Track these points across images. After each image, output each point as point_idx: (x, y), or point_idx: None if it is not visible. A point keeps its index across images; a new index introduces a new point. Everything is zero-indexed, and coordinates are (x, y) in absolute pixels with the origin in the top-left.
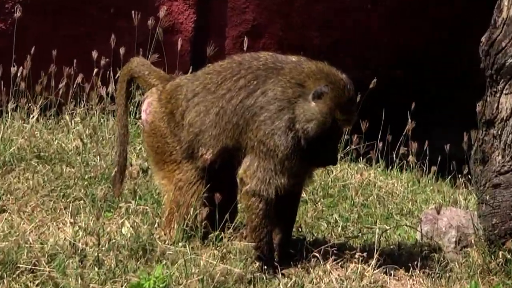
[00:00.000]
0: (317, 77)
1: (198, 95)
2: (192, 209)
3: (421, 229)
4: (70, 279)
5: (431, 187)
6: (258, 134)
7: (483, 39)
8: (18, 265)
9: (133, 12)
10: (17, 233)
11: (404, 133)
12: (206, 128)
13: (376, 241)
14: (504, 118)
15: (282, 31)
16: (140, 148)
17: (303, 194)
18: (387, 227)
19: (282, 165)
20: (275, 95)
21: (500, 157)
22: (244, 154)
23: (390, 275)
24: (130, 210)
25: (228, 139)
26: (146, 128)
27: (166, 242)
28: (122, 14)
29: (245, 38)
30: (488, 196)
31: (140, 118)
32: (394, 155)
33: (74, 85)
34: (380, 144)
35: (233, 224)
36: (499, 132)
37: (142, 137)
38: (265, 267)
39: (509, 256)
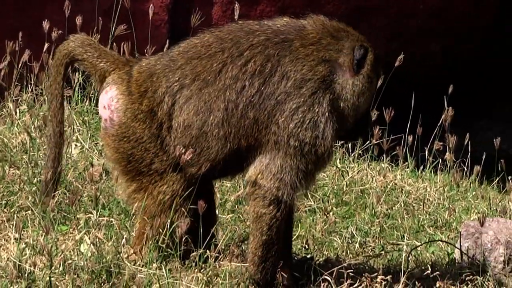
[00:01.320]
0: (338, 41)
1: (188, 87)
2: (168, 220)
3: (461, 246)
4: None
5: (474, 193)
6: (288, 126)
7: None
8: None
9: None
10: None
11: (439, 124)
12: (210, 129)
13: (403, 261)
14: None
15: None
16: (103, 145)
17: (311, 202)
18: (417, 243)
19: (317, 163)
20: (303, 76)
21: None
22: (259, 153)
23: None
24: (91, 223)
25: (241, 138)
26: (111, 130)
27: (137, 263)
28: None
29: (237, 5)
30: None
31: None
32: (426, 152)
33: (19, 65)
34: (409, 138)
35: (221, 239)
36: None
37: (104, 139)
38: None
39: None
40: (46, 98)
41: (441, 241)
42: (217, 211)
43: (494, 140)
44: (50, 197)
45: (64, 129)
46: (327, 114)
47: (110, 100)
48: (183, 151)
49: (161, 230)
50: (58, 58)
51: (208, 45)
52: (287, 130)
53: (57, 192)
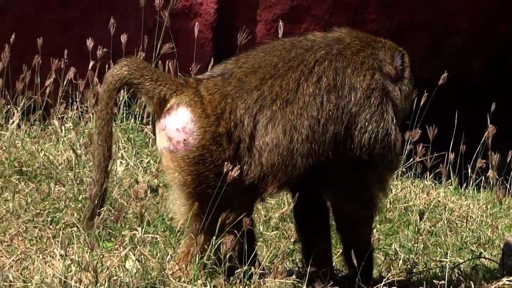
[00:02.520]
0: (377, 50)
1: (269, 107)
2: (213, 237)
3: (504, 263)
4: None
5: None
6: (362, 138)
7: None
8: None
9: None
10: None
11: (482, 142)
12: (296, 147)
13: (446, 278)
14: None
15: (330, 13)
16: (148, 162)
17: None
18: (461, 260)
19: (392, 170)
20: (368, 85)
21: None
22: (336, 171)
23: None
24: (136, 240)
25: (322, 154)
26: (185, 153)
27: (181, 280)
28: None
29: (281, 23)
30: None
31: (148, 124)
32: (469, 170)
33: (65, 82)
34: (452, 156)
35: (265, 256)
36: None
37: (172, 161)
38: None
39: None
40: (92, 118)
41: (484, 258)
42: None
43: None
44: (95, 218)
45: (112, 155)
46: (394, 121)
47: (185, 122)
48: (230, 168)
49: (206, 247)
50: (112, 83)
51: (274, 64)
52: (361, 142)
53: (102, 209)
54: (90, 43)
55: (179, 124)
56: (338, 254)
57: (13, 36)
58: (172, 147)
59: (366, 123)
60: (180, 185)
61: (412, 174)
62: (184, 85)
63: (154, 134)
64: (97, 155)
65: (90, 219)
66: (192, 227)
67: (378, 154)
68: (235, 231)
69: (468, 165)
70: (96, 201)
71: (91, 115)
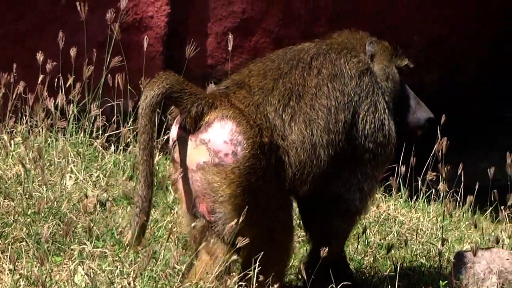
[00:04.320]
0: (358, 41)
1: (287, 104)
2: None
3: (454, 276)
4: None
5: (467, 223)
6: (364, 128)
7: None
8: None
9: (78, 3)
10: None
11: (432, 154)
12: (317, 139)
13: None
14: None
15: (280, 25)
16: (98, 176)
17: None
18: (411, 273)
19: (384, 164)
20: (357, 68)
21: None
22: (345, 163)
23: None
24: (85, 254)
25: (339, 144)
26: (234, 165)
27: None
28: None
29: (230, 36)
30: None
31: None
32: (419, 182)
33: (14, 96)
34: (402, 169)
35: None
36: None
37: (219, 174)
38: None
39: None
40: (40, 129)
41: (434, 271)
42: None
43: (488, 170)
44: (140, 241)
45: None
46: (387, 111)
47: (232, 134)
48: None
49: (277, 262)
50: (153, 97)
51: (277, 66)
52: (364, 132)
53: (51, 223)
54: (40, 57)
55: (226, 136)
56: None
57: None
58: (218, 160)
59: (365, 114)
60: (229, 197)
61: None
62: (219, 100)
63: (178, 148)
64: (143, 170)
65: (141, 235)
66: (245, 240)
67: (376, 145)
68: (287, 238)
69: (419, 178)
70: (146, 217)
71: (41, 129)
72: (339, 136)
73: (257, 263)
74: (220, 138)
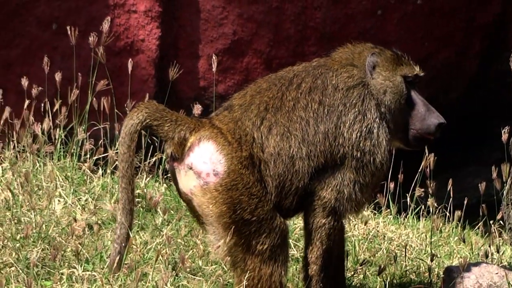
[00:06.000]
0: (359, 55)
1: (266, 118)
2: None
3: None
4: None
5: (456, 238)
6: (351, 137)
7: None
8: None
9: (68, 27)
10: None
11: (419, 171)
12: (295, 150)
13: None
14: None
15: (271, 46)
16: (86, 199)
17: (294, 251)
18: None
19: (374, 173)
20: (346, 82)
21: None
22: (331, 169)
23: None
24: (74, 277)
25: (320, 155)
26: (217, 182)
27: None
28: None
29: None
30: None
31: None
32: (408, 199)
33: (0, 122)
34: (391, 185)
35: None
36: None
37: (204, 195)
38: None
39: None
40: (28, 155)
41: (424, 287)
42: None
43: (479, 185)
44: (121, 264)
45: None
46: (377, 120)
47: (210, 153)
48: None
49: (270, 280)
50: (132, 125)
51: (258, 85)
52: (351, 141)
53: (40, 247)
54: (25, 82)
55: (205, 156)
56: None
57: None
58: (203, 181)
59: (352, 123)
60: (216, 216)
61: None
62: (200, 123)
63: (174, 179)
64: (122, 197)
65: (118, 262)
66: (236, 259)
67: (364, 153)
68: (279, 256)
69: (407, 194)
70: (123, 243)
71: (28, 155)
72: (320, 148)
73: (249, 282)
74: (200, 159)
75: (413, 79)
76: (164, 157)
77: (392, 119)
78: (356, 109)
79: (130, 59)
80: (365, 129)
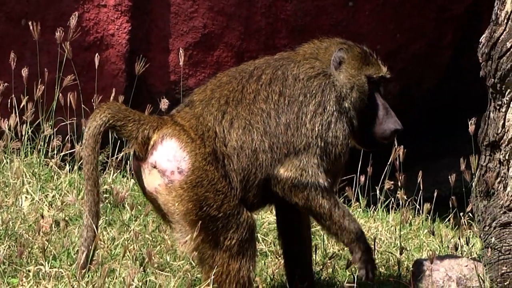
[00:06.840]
0: (324, 50)
1: (227, 112)
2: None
3: (413, 284)
4: None
5: (426, 231)
6: (314, 127)
7: (482, 39)
8: None
9: (30, 22)
10: None
11: (389, 163)
12: (257, 143)
13: None
14: None
15: (242, 39)
16: (53, 196)
17: (263, 246)
18: (370, 283)
19: (334, 163)
20: (307, 72)
21: (509, 189)
22: (294, 156)
23: None
24: (41, 274)
25: (283, 146)
26: (181, 180)
27: None
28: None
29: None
30: (494, 239)
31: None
32: (378, 192)
33: None
34: (361, 178)
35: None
36: (506, 157)
37: (169, 193)
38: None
39: None
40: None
41: (393, 280)
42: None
43: (450, 177)
44: (87, 266)
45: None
46: (335, 113)
47: (174, 151)
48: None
49: (238, 275)
50: (96, 127)
51: (218, 80)
52: (314, 132)
53: (7, 244)
54: None
55: (168, 154)
56: None
57: None
58: (167, 179)
59: (314, 114)
60: (183, 214)
61: None
62: (162, 121)
63: (138, 178)
64: (87, 199)
65: (85, 263)
66: (205, 256)
67: (327, 143)
68: (247, 250)
69: (376, 187)
70: (90, 246)
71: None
72: (282, 139)
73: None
74: (163, 157)
75: (378, 80)
76: (131, 152)
77: (355, 116)
78: (317, 100)
79: (97, 54)
80: (325, 122)
